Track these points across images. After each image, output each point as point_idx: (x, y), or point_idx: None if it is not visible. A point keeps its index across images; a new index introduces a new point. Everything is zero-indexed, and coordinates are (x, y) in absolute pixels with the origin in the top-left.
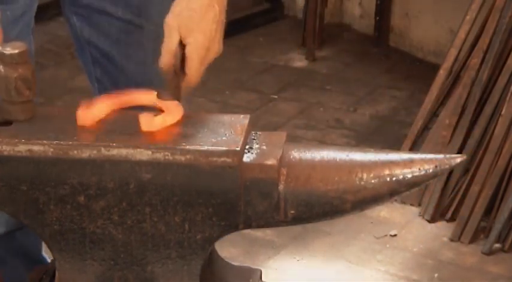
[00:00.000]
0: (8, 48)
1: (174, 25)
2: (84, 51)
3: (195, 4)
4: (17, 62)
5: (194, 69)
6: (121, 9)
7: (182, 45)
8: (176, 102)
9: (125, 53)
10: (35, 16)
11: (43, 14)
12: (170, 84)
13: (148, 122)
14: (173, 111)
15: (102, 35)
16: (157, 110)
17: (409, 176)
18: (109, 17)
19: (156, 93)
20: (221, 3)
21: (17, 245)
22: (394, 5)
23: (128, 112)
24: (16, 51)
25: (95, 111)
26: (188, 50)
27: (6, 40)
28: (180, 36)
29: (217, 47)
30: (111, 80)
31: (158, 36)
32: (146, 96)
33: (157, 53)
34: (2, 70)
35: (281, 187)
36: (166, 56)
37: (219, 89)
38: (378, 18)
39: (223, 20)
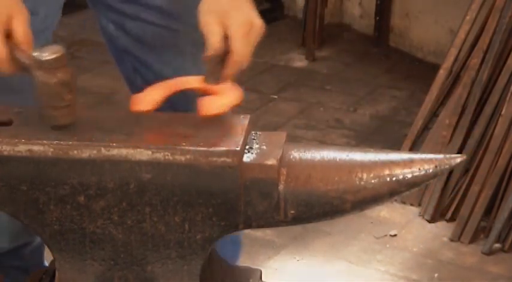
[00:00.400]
0: (45, 54)
1: (210, 20)
2: (123, 61)
3: None
4: (56, 67)
5: (240, 46)
6: (155, 13)
7: (225, 36)
8: (232, 84)
9: (163, 59)
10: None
11: None
12: (214, 70)
13: (208, 105)
14: (230, 94)
15: (138, 42)
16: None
17: (409, 176)
18: (143, 23)
19: (202, 78)
20: None
21: (20, 259)
22: (394, 5)
23: (128, 112)
24: (54, 56)
25: (149, 96)
26: (232, 31)
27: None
28: (220, 25)
29: (258, 22)
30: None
31: (195, 40)
32: (198, 80)
33: (196, 57)
34: (41, 76)
35: (281, 187)
36: (213, 50)
37: None
38: (378, 18)
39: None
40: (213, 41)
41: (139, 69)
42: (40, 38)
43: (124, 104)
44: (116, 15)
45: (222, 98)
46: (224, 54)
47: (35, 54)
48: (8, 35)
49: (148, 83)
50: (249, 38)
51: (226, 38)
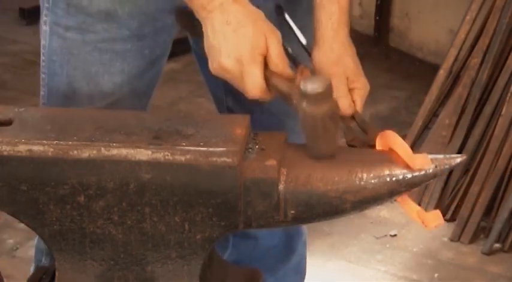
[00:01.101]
0: (310, 85)
1: (340, 70)
2: (215, 80)
3: (351, 49)
4: (322, 99)
5: (360, 109)
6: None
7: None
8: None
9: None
10: (32, 17)
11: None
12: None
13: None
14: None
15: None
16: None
17: (409, 176)
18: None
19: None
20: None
21: None
22: (394, 5)
23: (128, 112)
24: (320, 90)
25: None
26: (356, 95)
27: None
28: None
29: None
30: (244, 109)
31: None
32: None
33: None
34: (307, 108)
35: (281, 187)
36: (345, 101)
37: None
38: (377, 18)
39: None
40: (347, 105)
41: (233, 91)
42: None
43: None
44: None
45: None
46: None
47: (300, 85)
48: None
49: (239, 103)
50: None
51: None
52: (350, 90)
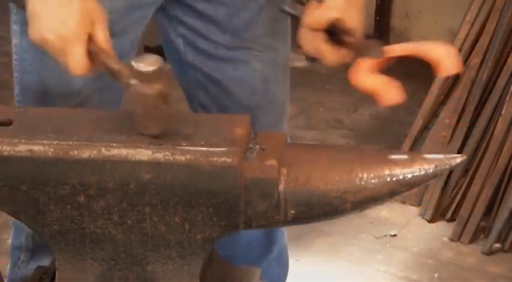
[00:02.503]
0: (142, 64)
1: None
2: (187, 75)
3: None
4: (155, 79)
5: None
6: (229, 36)
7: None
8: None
9: (232, 75)
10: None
11: None
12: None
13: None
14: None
15: (208, 58)
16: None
17: (409, 176)
18: (215, 43)
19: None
20: None
21: None
22: (394, 5)
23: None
24: (153, 68)
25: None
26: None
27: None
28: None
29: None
30: (217, 104)
31: (266, 59)
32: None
33: (265, 75)
34: (139, 87)
35: (281, 187)
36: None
37: None
38: (377, 18)
39: None
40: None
41: (205, 84)
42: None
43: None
44: (188, 31)
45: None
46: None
47: (133, 63)
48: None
49: (211, 98)
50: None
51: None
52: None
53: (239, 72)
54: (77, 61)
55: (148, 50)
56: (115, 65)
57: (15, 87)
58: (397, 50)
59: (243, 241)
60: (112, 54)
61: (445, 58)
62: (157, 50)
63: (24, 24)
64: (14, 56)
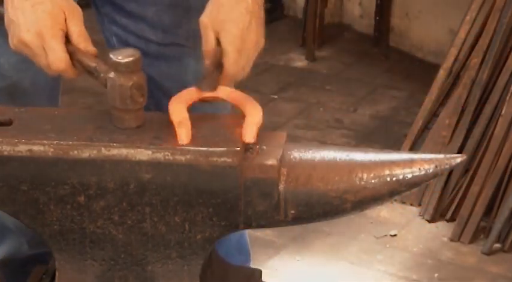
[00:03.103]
0: (120, 56)
1: (207, 23)
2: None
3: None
4: (132, 70)
5: (232, 61)
6: (159, 33)
7: (219, 42)
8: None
9: (166, 72)
10: None
11: None
12: (209, 77)
13: (249, 134)
14: (254, 113)
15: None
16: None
17: (409, 176)
18: (147, 41)
19: (194, 87)
20: None
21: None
22: (394, 5)
23: None
24: (130, 59)
25: (176, 110)
26: (223, 42)
27: None
28: (214, 33)
29: (254, 38)
30: (154, 100)
31: (199, 54)
32: (225, 91)
33: (199, 71)
34: (116, 78)
35: (281, 187)
36: (206, 56)
37: None
38: (377, 18)
39: (259, 12)
40: (205, 47)
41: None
42: None
43: None
44: (119, 30)
45: (254, 122)
46: (219, 63)
47: (110, 56)
48: (66, 37)
49: (148, 95)
50: (240, 53)
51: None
52: (218, 36)
53: (172, 69)
54: (57, 56)
55: None
56: (91, 63)
57: None
58: (223, 94)
59: None
60: (88, 52)
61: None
62: None
63: None
64: None
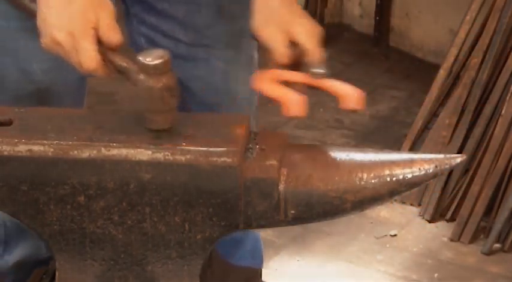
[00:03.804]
0: (149, 58)
1: (272, 31)
2: None
3: (274, 2)
4: (161, 72)
5: (315, 49)
6: (190, 33)
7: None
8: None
9: (193, 74)
10: None
11: None
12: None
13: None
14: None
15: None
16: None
17: (409, 176)
18: (176, 40)
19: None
20: None
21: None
22: (394, 5)
23: (127, 112)
24: (160, 61)
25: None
26: (302, 37)
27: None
28: (286, 36)
29: (311, 22)
30: (179, 102)
31: (227, 57)
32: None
33: (227, 74)
34: (146, 80)
35: (281, 187)
36: (283, 56)
37: None
38: (377, 18)
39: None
40: (281, 51)
41: None
42: None
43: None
44: (149, 30)
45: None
46: (294, 63)
47: (139, 58)
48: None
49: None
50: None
51: (293, 45)
52: (293, 36)
53: (199, 71)
54: (88, 55)
55: None
56: (122, 63)
57: None
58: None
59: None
60: (119, 52)
61: (349, 93)
62: None
63: None
64: None
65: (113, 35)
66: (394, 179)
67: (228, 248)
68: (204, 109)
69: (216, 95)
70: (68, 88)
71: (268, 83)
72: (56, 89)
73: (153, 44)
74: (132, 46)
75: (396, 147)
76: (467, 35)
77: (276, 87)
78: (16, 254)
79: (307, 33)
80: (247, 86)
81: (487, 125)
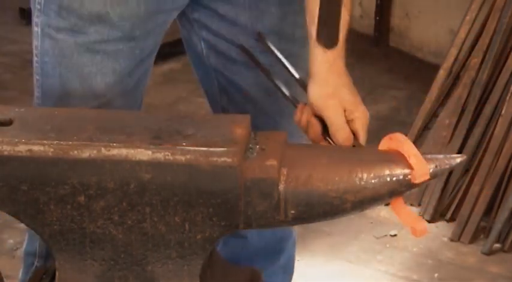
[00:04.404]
0: None
1: (336, 108)
2: (210, 79)
3: (347, 79)
4: None
5: (362, 139)
6: (252, 38)
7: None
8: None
9: (253, 81)
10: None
11: None
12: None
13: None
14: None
15: (229, 62)
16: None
17: (409, 176)
18: (238, 46)
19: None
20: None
21: None
22: (394, 5)
23: (127, 112)
24: None
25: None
26: (357, 126)
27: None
28: (345, 111)
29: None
30: (238, 109)
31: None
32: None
33: (287, 82)
34: None
35: (281, 187)
36: (342, 133)
37: None
38: (378, 18)
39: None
40: (344, 138)
41: (227, 89)
42: (145, 64)
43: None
44: (210, 35)
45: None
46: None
47: None
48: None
49: (233, 103)
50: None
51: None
52: (349, 121)
53: (260, 78)
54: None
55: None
56: None
57: (36, 90)
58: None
59: (251, 247)
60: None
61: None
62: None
63: (46, 26)
64: (35, 58)
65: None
66: (394, 179)
67: (262, 263)
68: (263, 117)
69: (276, 104)
70: (126, 101)
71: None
72: (116, 103)
73: (213, 49)
74: (191, 50)
75: None
76: (467, 35)
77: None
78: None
79: (364, 124)
80: (305, 95)
81: (487, 125)
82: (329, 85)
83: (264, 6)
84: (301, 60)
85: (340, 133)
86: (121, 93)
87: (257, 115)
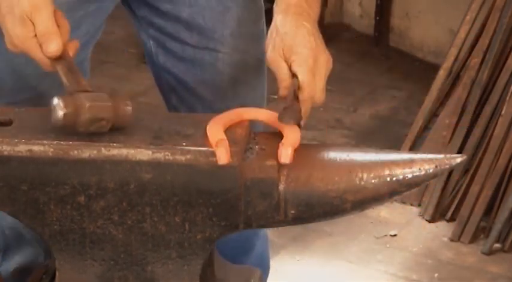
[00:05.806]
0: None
1: (275, 56)
2: (160, 78)
3: (284, 28)
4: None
5: (307, 82)
6: (195, 35)
7: (291, 72)
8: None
9: (200, 79)
10: None
11: None
12: (290, 109)
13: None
14: (291, 135)
15: (177, 60)
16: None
17: (409, 176)
18: (183, 43)
19: (277, 115)
20: (310, 20)
21: None
22: (394, 5)
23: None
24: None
25: (213, 131)
26: (295, 66)
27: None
28: (286, 62)
29: (325, 57)
30: (188, 107)
31: (234, 61)
32: (264, 114)
33: (235, 78)
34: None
35: (281, 187)
36: (283, 88)
37: None
38: (378, 18)
39: (319, 34)
40: (281, 79)
41: (176, 88)
42: (80, 54)
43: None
44: (156, 32)
45: (287, 142)
46: (297, 89)
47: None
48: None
49: (182, 101)
50: (314, 73)
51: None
52: (290, 63)
53: (207, 75)
54: (41, 63)
55: None
56: (64, 79)
57: None
58: (262, 116)
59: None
60: (64, 63)
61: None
62: None
63: None
64: None
65: (47, 45)
66: (394, 179)
67: (237, 253)
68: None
69: (224, 101)
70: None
71: (216, 126)
72: (52, 94)
73: (161, 47)
74: (145, 49)
75: (396, 147)
76: (467, 35)
77: (217, 132)
78: (15, 261)
79: (302, 63)
80: (256, 91)
81: (487, 125)
82: (269, 41)
83: (205, 2)
84: (247, 54)
85: (281, 90)
86: (56, 84)
87: (205, 112)
